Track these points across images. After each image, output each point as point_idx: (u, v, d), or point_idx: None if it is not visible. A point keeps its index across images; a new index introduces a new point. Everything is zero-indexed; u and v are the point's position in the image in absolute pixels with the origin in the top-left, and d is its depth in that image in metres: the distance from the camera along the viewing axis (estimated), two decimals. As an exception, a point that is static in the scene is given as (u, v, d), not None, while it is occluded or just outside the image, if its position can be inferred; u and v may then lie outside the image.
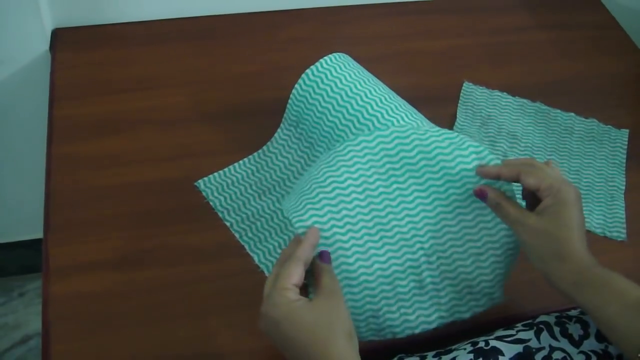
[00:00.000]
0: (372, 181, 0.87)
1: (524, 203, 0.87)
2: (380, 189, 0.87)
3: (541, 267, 0.81)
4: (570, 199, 0.79)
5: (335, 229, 0.83)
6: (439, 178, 0.87)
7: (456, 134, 0.89)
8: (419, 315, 0.90)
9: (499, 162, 0.87)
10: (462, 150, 0.87)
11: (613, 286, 0.75)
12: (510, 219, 0.82)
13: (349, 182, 0.86)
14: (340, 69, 1.03)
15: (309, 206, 0.82)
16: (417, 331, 0.89)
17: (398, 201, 0.86)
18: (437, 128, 0.91)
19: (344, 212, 0.84)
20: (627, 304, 0.73)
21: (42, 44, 1.32)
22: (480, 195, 0.85)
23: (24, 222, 1.70)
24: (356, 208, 0.85)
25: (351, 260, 0.84)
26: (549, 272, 0.80)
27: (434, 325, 0.90)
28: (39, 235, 1.00)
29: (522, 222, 0.81)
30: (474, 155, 0.87)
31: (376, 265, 0.86)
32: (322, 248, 0.82)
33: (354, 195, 0.85)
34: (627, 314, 0.73)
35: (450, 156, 0.87)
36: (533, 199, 0.84)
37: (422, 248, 0.87)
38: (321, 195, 0.84)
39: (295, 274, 0.74)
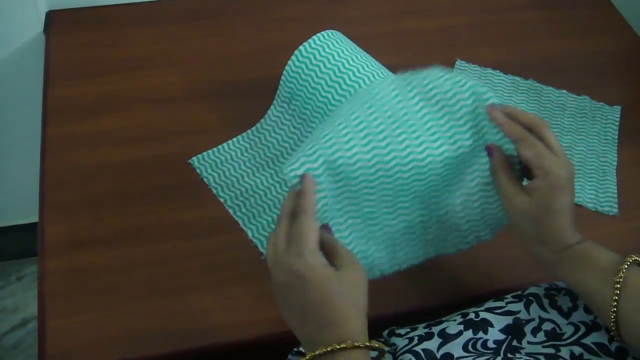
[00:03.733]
0: (376, 125, 0.84)
1: None
2: (385, 132, 0.84)
3: (523, 243, 0.83)
4: (559, 184, 0.78)
5: (326, 175, 0.81)
6: (444, 124, 0.86)
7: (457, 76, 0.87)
8: (406, 253, 0.91)
9: (496, 101, 0.85)
10: (461, 88, 0.86)
11: (589, 260, 0.77)
12: (501, 191, 0.83)
13: (350, 135, 0.82)
14: (333, 45, 1.04)
15: (302, 158, 0.80)
16: (403, 267, 0.91)
17: (405, 145, 0.84)
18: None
19: (341, 160, 0.81)
20: (600, 273, 0.75)
21: (36, 26, 1.32)
22: (489, 152, 0.85)
23: (21, 206, 1.70)
24: (356, 155, 0.82)
25: (339, 205, 0.84)
26: (529, 249, 0.82)
27: (419, 260, 0.91)
28: (37, 218, 1.00)
29: (510, 198, 0.81)
30: (474, 97, 0.86)
31: (366, 209, 0.86)
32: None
33: (352, 142, 0.82)
34: (601, 283, 0.74)
35: (452, 100, 0.86)
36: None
37: (416, 190, 0.87)
38: (317, 147, 0.81)
39: (315, 230, 0.74)
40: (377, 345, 0.71)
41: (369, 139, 0.83)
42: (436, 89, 0.87)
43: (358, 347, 0.69)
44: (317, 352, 0.70)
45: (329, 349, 0.69)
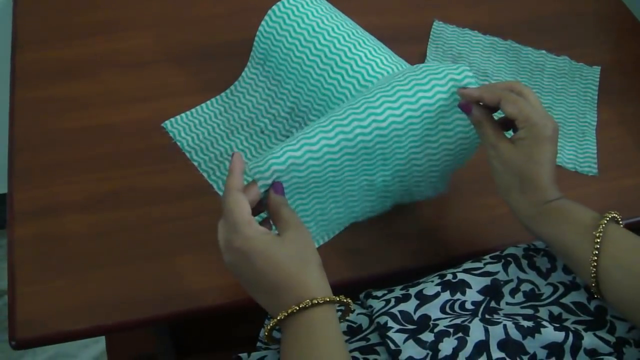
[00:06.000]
0: (347, 122, 0.84)
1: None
2: (358, 130, 0.84)
3: (503, 195, 0.82)
4: (544, 135, 0.78)
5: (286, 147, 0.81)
6: (409, 88, 0.85)
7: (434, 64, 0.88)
8: (364, 207, 0.92)
9: (473, 82, 0.86)
10: (436, 73, 0.86)
11: (568, 215, 0.76)
12: (487, 141, 0.82)
13: (318, 129, 0.84)
14: (308, 4, 1.01)
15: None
16: (360, 219, 0.93)
17: (364, 107, 0.84)
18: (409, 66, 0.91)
19: (302, 142, 0.82)
20: (580, 228, 0.74)
21: (4, -10, 1.29)
22: (465, 109, 0.84)
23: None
24: (321, 140, 0.82)
25: (303, 167, 0.82)
26: (509, 201, 0.82)
27: (376, 212, 0.94)
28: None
29: (496, 147, 0.81)
30: (442, 66, 0.87)
31: (330, 173, 0.85)
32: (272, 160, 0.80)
33: (318, 130, 0.83)
34: (580, 238, 0.74)
35: (425, 79, 0.86)
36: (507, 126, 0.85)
37: (381, 154, 0.86)
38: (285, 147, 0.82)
39: (245, 204, 0.74)
40: (338, 299, 0.71)
41: (335, 124, 0.83)
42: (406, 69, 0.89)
43: (318, 303, 0.69)
44: (279, 317, 0.70)
45: (289, 312, 0.69)
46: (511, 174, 0.80)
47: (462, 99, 0.84)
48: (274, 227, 0.79)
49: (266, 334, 0.73)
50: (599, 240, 0.71)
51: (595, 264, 0.71)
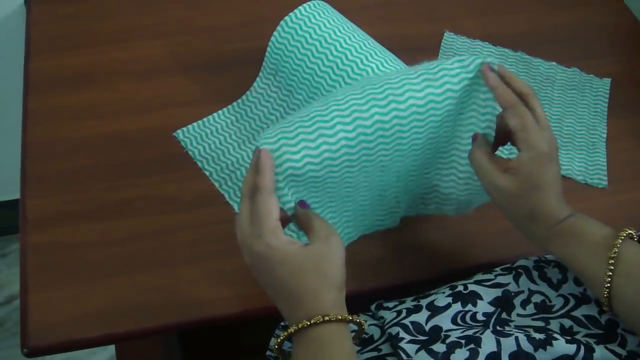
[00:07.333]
0: (367, 108, 0.79)
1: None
2: (376, 117, 0.79)
3: (514, 224, 0.82)
4: (542, 159, 0.77)
5: (305, 151, 0.76)
6: (438, 100, 0.82)
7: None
8: (372, 221, 0.93)
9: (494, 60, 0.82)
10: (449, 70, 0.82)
11: (582, 235, 0.76)
12: (482, 173, 0.81)
13: (335, 113, 0.78)
14: (319, 15, 1.02)
15: (280, 132, 0.78)
16: (367, 232, 0.94)
17: (394, 130, 0.80)
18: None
19: (321, 139, 0.77)
20: (594, 247, 0.74)
21: (17, -2, 1.30)
22: (473, 139, 0.84)
23: (5, 181, 1.69)
24: (339, 133, 0.77)
25: (319, 179, 0.79)
26: (522, 230, 0.81)
27: (385, 227, 0.95)
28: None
29: (492, 180, 0.80)
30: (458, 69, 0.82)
31: (345, 189, 0.84)
32: (288, 164, 0.76)
33: (337, 120, 0.77)
34: (593, 258, 0.73)
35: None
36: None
37: (397, 170, 0.85)
38: (297, 124, 0.78)
39: (274, 208, 0.72)
40: (350, 318, 0.70)
41: (355, 117, 0.78)
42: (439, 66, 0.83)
43: (329, 320, 0.68)
44: (290, 330, 0.69)
45: (300, 326, 0.68)
46: (517, 205, 0.79)
47: (481, 74, 0.81)
48: (297, 235, 0.81)
49: (276, 347, 0.73)
50: (613, 261, 0.71)
51: (609, 283, 0.71)
